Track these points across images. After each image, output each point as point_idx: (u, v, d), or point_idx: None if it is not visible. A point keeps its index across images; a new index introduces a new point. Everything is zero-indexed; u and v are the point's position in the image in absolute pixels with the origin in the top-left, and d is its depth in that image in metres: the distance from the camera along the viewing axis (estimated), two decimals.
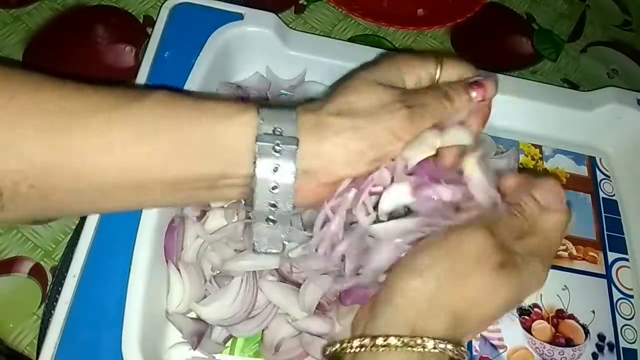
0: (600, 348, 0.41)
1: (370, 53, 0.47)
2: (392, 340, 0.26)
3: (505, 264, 0.28)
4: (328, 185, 0.31)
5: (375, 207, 0.32)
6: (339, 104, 0.31)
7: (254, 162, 0.29)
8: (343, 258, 0.32)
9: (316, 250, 0.32)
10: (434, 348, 0.26)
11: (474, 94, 0.34)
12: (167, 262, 0.37)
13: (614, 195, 0.49)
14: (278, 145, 0.29)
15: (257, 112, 0.30)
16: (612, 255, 0.46)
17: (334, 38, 0.55)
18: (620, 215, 0.48)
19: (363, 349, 0.27)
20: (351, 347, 0.27)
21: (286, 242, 0.34)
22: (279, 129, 0.29)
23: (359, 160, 0.30)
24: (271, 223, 0.32)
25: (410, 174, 0.32)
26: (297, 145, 0.29)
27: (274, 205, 0.30)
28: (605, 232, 0.47)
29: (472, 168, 0.32)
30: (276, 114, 0.30)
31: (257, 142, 0.29)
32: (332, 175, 0.31)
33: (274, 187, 0.30)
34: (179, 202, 0.35)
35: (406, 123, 0.31)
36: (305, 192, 0.31)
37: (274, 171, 0.29)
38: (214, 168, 0.29)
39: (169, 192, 0.30)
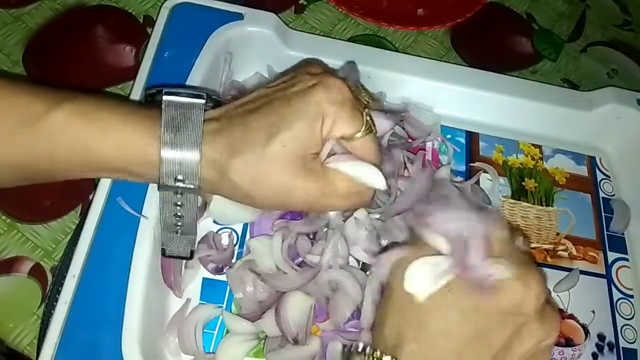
0: (600, 348, 0.41)
1: (370, 53, 0.47)
2: None
3: None
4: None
5: None
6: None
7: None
8: None
9: None
10: None
11: None
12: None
13: (614, 195, 0.49)
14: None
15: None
16: (612, 255, 0.46)
17: (334, 38, 0.55)
18: None
19: None
20: None
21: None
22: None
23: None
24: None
25: None
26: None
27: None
28: (605, 232, 0.47)
29: None
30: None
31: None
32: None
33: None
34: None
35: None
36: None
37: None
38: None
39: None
